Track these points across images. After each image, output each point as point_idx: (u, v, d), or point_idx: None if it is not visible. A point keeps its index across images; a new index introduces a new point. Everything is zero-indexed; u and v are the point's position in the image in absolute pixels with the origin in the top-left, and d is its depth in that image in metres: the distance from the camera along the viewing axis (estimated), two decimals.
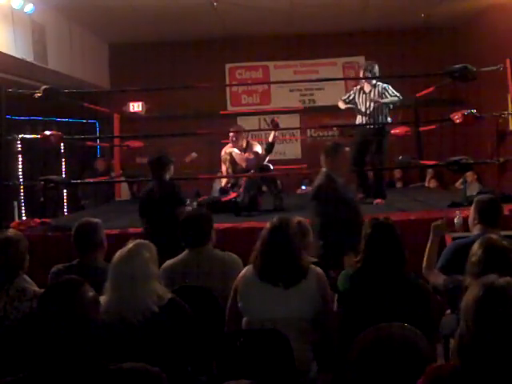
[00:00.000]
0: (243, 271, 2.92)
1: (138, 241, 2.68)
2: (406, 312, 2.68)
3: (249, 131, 6.85)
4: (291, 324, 2.70)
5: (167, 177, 4.90)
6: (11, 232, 3.26)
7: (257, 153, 6.33)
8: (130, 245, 2.63)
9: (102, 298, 2.47)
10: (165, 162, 4.93)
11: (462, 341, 1.62)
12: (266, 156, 6.41)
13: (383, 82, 6.44)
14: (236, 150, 6.39)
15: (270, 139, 6.49)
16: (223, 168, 6.52)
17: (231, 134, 6.51)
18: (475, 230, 3.45)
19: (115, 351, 2.20)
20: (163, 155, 5.02)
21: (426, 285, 2.95)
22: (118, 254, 2.62)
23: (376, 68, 6.43)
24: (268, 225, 2.91)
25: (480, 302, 1.61)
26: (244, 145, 6.45)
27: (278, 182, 7.02)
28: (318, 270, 2.87)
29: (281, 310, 2.73)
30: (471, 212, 3.54)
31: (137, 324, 2.48)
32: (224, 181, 6.66)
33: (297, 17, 9.23)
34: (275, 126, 6.47)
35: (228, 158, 6.39)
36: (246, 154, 6.34)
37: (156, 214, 4.69)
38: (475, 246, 2.70)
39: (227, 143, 6.70)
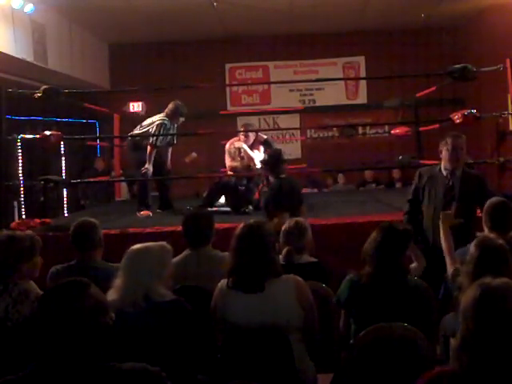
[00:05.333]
0: (219, 285, 2.83)
1: (159, 242, 2.78)
2: (407, 313, 2.69)
3: (254, 131, 6.83)
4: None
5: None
6: (19, 232, 3.26)
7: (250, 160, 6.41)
8: (150, 243, 2.74)
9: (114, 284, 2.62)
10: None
11: (462, 342, 1.62)
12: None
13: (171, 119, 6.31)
14: (245, 146, 6.40)
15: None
16: (227, 161, 6.51)
17: (242, 133, 6.53)
18: (486, 233, 3.45)
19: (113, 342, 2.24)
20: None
21: (426, 285, 2.95)
22: (134, 247, 2.72)
23: (170, 106, 6.36)
24: (236, 232, 2.84)
25: (477, 303, 1.61)
26: (251, 142, 6.49)
27: None
28: (298, 278, 2.78)
29: (256, 317, 2.65)
30: (483, 213, 3.54)
31: (132, 316, 2.50)
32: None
33: (297, 17, 9.23)
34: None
35: (237, 152, 6.41)
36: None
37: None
38: (471, 246, 2.70)
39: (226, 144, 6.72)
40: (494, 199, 3.62)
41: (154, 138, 6.16)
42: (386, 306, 2.75)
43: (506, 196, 5.70)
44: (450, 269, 3.27)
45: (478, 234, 3.57)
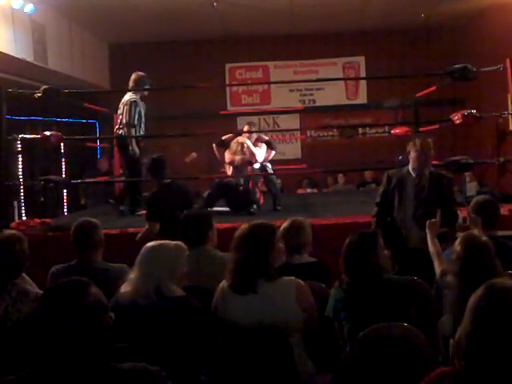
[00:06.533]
0: (220, 285, 2.84)
1: (176, 241, 2.86)
2: (395, 310, 2.69)
3: (255, 132, 6.84)
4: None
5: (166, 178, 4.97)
6: (12, 232, 3.27)
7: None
8: (166, 241, 2.84)
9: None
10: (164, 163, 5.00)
11: (464, 342, 1.61)
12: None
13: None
14: (248, 142, 6.38)
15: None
16: (227, 154, 6.47)
17: (247, 127, 6.54)
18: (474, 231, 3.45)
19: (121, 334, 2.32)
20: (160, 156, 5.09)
21: (425, 285, 2.95)
22: (150, 243, 2.81)
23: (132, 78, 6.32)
24: (236, 233, 2.84)
25: (480, 303, 1.60)
26: (253, 140, 6.50)
27: (278, 181, 7.03)
28: (299, 281, 2.79)
29: (255, 317, 2.66)
30: (469, 212, 3.55)
31: (145, 309, 2.58)
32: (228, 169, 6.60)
33: (297, 17, 9.23)
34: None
35: (239, 147, 6.38)
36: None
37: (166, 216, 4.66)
38: (456, 244, 2.70)
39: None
40: (480, 198, 3.63)
41: (128, 117, 6.10)
42: (368, 306, 2.75)
43: (506, 196, 5.72)
44: (438, 270, 3.29)
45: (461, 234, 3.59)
